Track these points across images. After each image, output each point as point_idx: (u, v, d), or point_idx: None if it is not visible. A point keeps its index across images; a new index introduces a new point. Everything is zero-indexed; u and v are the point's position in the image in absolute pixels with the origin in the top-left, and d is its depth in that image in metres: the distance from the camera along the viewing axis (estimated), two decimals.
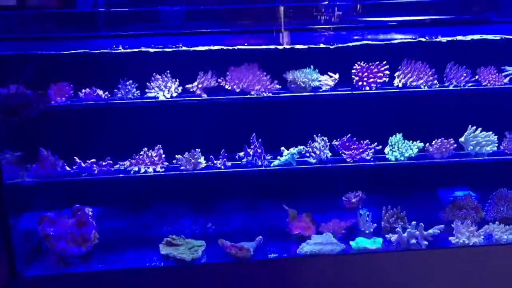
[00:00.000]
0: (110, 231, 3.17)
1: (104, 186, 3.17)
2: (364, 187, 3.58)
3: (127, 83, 3.29)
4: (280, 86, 3.35)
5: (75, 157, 3.12)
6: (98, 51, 3.34)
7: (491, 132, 3.31)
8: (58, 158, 3.09)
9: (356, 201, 3.53)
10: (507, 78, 3.39)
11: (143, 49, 3.38)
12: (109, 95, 3.29)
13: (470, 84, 3.37)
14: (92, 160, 3.11)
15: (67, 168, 3.09)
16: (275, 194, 3.47)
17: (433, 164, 3.39)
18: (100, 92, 3.28)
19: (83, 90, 3.28)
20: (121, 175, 3.09)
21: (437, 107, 3.49)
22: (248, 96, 3.29)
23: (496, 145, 3.31)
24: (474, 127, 3.31)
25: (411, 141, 3.29)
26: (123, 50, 3.33)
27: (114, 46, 3.37)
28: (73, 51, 3.29)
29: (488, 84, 3.36)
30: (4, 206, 2.55)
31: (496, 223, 3.13)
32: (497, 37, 3.45)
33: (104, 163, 3.10)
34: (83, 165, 3.09)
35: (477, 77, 3.41)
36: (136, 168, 3.12)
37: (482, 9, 3.26)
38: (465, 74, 3.40)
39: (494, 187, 3.50)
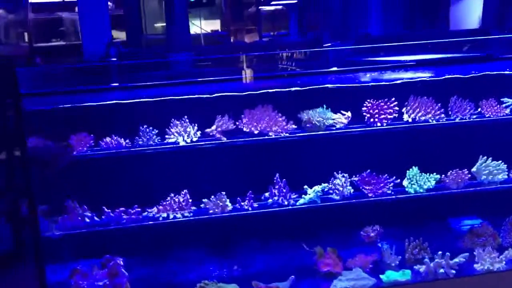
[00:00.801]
0: (140, 279, 3.13)
1: (131, 234, 3.15)
2: (380, 220, 3.67)
3: (148, 130, 3.33)
4: (296, 126, 3.46)
5: (103, 207, 3.10)
6: (113, 101, 3.39)
7: (500, 161, 3.48)
8: (87, 208, 3.06)
9: (374, 235, 3.61)
10: (508, 109, 3.59)
11: (159, 97, 3.45)
12: (129, 143, 3.31)
13: (474, 116, 3.56)
14: (121, 208, 3.09)
15: (96, 218, 3.06)
16: (298, 233, 3.51)
17: (446, 195, 3.51)
18: (121, 140, 3.30)
19: (104, 139, 3.29)
20: (150, 222, 3.08)
21: (445, 139, 3.65)
22: (267, 137, 3.38)
23: (507, 173, 3.47)
24: (485, 157, 3.47)
25: (428, 173, 3.42)
26: (139, 100, 3.39)
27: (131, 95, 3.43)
28: (91, 103, 3.33)
29: (491, 116, 3.56)
30: (41, 260, 2.50)
31: None
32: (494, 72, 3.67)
33: (132, 211, 3.09)
34: (111, 214, 3.07)
35: (479, 109, 3.61)
36: (164, 214, 3.13)
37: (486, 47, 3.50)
38: (469, 107, 3.59)
39: (502, 214, 3.64)
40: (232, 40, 11.41)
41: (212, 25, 12.52)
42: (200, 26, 8.30)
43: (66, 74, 3.62)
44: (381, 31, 9.57)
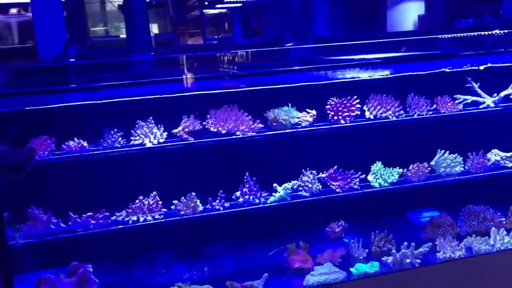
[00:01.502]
0: (111, 285, 3.03)
1: (100, 240, 3.04)
2: (344, 216, 3.76)
3: (112, 131, 3.24)
4: (262, 125, 3.48)
5: (69, 212, 2.97)
6: (75, 103, 3.27)
7: (457, 154, 3.67)
8: (52, 215, 2.92)
9: (340, 230, 3.70)
10: (461, 105, 3.80)
11: (121, 98, 3.36)
12: (94, 146, 3.21)
13: (431, 112, 3.73)
14: (88, 213, 2.98)
15: (62, 225, 2.93)
16: (266, 231, 3.54)
17: (407, 188, 3.66)
18: (85, 143, 3.19)
19: (66, 143, 3.16)
20: (120, 227, 2.99)
21: (405, 134, 3.81)
22: (235, 136, 3.38)
23: (462, 165, 3.66)
24: (443, 150, 3.64)
25: (391, 168, 3.54)
26: (102, 101, 3.29)
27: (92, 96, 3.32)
28: (52, 105, 3.19)
29: (446, 111, 3.74)
30: (8, 270, 2.36)
31: (473, 236, 3.43)
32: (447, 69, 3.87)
33: (100, 216, 2.99)
34: (78, 220, 2.95)
35: (435, 105, 3.78)
36: (134, 218, 3.05)
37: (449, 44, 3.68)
38: (425, 104, 3.75)
39: (456, 205, 3.84)
40: (181, 42, 11.32)
41: (158, 28, 12.36)
42: (151, 28, 8.18)
43: (21, 76, 3.45)
44: (328, 33, 9.82)
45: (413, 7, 11.64)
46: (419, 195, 3.84)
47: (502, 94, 3.83)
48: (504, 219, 3.67)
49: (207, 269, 3.27)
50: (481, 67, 3.83)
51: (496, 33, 4.42)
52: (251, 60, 4.33)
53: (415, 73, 3.84)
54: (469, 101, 3.83)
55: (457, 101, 3.81)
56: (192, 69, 4.18)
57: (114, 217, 3.04)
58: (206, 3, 15.22)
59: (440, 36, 4.54)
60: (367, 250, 3.42)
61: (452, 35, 4.38)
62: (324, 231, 3.73)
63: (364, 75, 3.90)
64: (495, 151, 3.78)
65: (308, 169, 3.48)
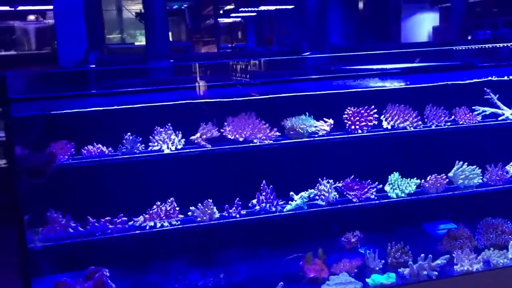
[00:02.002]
0: None
1: (117, 244, 3.06)
2: (359, 226, 3.74)
3: (131, 137, 3.27)
4: (279, 133, 3.49)
5: (88, 216, 2.99)
6: (94, 108, 3.31)
7: (475, 166, 3.64)
8: (70, 219, 2.95)
9: (355, 240, 3.67)
10: (479, 116, 3.77)
11: (140, 104, 3.39)
12: (112, 151, 3.24)
13: (449, 124, 3.71)
14: (107, 218, 3.00)
15: (80, 229, 2.95)
16: (283, 239, 3.52)
17: (424, 199, 3.63)
18: (104, 148, 3.22)
19: (86, 147, 3.20)
20: (137, 232, 3.01)
21: (422, 145, 3.79)
22: (252, 144, 3.39)
23: (481, 177, 3.63)
24: (462, 162, 3.62)
25: (409, 178, 3.52)
26: (121, 107, 3.33)
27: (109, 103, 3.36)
28: (72, 110, 3.23)
29: (464, 123, 3.72)
30: (27, 273, 2.39)
31: (491, 249, 3.39)
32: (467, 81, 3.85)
33: (118, 221, 3.00)
34: (96, 224, 2.97)
35: (453, 117, 3.76)
36: (151, 223, 3.06)
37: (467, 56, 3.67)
38: (443, 115, 3.74)
39: (474, 217, 3.80)
40: (196, 50, 11.42)
41: (175, 36, 12.47)
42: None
43: (42, 81, 3.50)
44: (343, 42, 9.84)
45: (427, 18, 11.65)
46: (436, 206, 3.81)
47: None
48: None
49: (223, 276, 3.26)
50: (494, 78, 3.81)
51: None
52: (268, 68, 4.35)
53: (433, 84, 3.83)
54: (487, 113, 3.80)
55: (475, 113, 3.79)
56: (209, 76, 4.21)
57: (132, 222, 3.05)
58: (221, 12, 15.35)
59: (458, 47, 4.53)
60: (383, 261, 3.39)
61: (470, 46, 4.37)
62: (340, 241, 3.71)
63: (382, 85, 3.89)
64: None
65: (324, 178, 3.47)
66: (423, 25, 11.67)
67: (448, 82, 3.83)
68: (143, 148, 3.28)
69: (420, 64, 4.07)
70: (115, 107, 3.34)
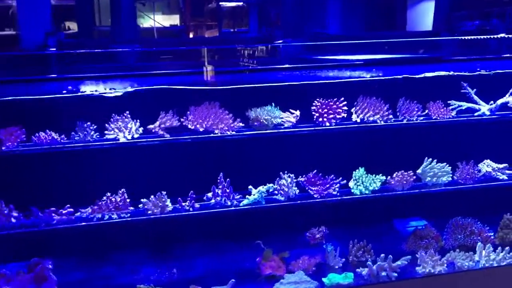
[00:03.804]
0: (72, 284, 2.95)
1: (63, 236, 2.96)
2: (326, 221, 3.62)
3: (85, 125, 3.15)
4: (243, 124, 3.36)
5: (32, 207, 2.90)
6: (50, 95, 3.19)
7: (445, 163, 3.49)
8: (13, 208, 2.85)
9: (320, 236, 3.56)
10: (454, 111, 3.61)
11: (97, 90, 3.28)
12: (65, 139, 3.13)
13: (421, 118, 3.56)
14: (52, 208, 2.90)
15: (24, 219, 2.86)
16: (242, 234, 3.41)
17: (392, 196, 3.50)
18: (56, 135, 3.11)
19: (37, 134, 3.09)
20: (83, 224, 2.91)
21: (393, 140, 3.64)
22: (212, 135, 3.27)
23: (451, 175, 3.49)
24: (431, 159, 3.47)
25: (374, 175, 3.39)
26: (77, 94, 3.21)
27: (69, 87, 3.24)
28: (25, 97, 3.12)
29: (438, 118, 3.57)
30: None
31: (457, 251, 3.26)
32: (443, 73, 3.69)
33: (64, 212, 2.91)
34: (40, 214, 2.88)
35: (427, 111, 3.61)
36: (99, 215, 2.96)
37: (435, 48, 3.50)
38: (416, 109, 3.58)
39: (445, 215, 3.66)
40: (191, 35, 11.22)
41: (172, 20, 12.26)
42: (154, 19, 8.09)
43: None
44: (340, 31, 9.61)
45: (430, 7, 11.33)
46: (405, 203, 3.68)
47: (499, 102, 3.64)
48: (492, 233, 3.49)
49: (175, 271, 3.16)
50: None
51: (500, 37, 4.22)
52: (241, 56, 4.21)
53: (408, 76, 3.67)
54: (463, 108, 3.64)
55: (450, 107, 3.63)
56: (179, 63, 4.08)
57: (79, 213, 2.95)
58: None
59: (441, 38, 4.36)
60: (343, 259, 3.27)
61: (452, 38, 4.20)
62: (305, 237, 3.60)
63: (357, 76, 3.75)
64: (487, 161, 3.59)
65: (286, 172, 3.34)
66: (428, 14, 11.35)
67: (424, 75, 3.68)
68: (98, 136, 3.17)
69: (397, 56, 3.91)
70: (73, 94, 3.22)
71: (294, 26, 4.76)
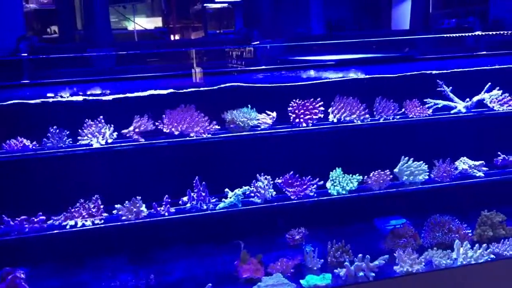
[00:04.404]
0: None
1: (36, 244, 2.92)
2: (306, 222, 3.61)
3: (57, 131, 3.10)
4: (219, 127, 3.33)
5: (2, 215, 2.85)
6: (23, 101, 3.14)
7: (422, 162, 3.49)
8: None
9: (300, 237, 3.55)
10: (431, 110, 3.62)
11: (73, 95, 3.23)
12: (37, 145, 3.08)
13: (398, 117, 3.56)
14: (23, 217, 2.86)
15: None
16: (221, 237, 3.39)
17: (371, 196, 3.49)
18: (27, 142, 3.06)
19: (8, 141, 3.04)
20: (55, 231, 2.86)
21: (370, 139, 3.64)
22: (188, 138, 3.24)
23: (427, 173, 3.49)
24: (407, 157, 3.47)
25: (350, 175, 3.38)
26: (52, 99, 3.17)
27: (40, 93, 3.20)
28: None
29: (414, 116, 3.57)
30: None
31: (434, 249, 3.27)
32: (419, 72, 3.69)
33: (35, 220, 2.86)
34: (11, 223, 2.83)
35: (403, 109, 3.61)
36: (72, 222, 2.91)
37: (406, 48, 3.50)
38: (392, 107, 3.58)
39: (425, 213, 3.67)
40: (177, 38, 11.16)
41: (155, 22, 12.18)
42: (134, 21, 8.03)
43: None
44: (321, 31, 9.60)
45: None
46: (384, 202, 3.68)
47: (475, 99, 3.65)
48: (470, 231, 3.50)
49: (153, 277, 3.12)
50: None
51: (476, 34, 4.24)
52: (217, 58, 4.18)
53: (385, 75, 3.67)
54: (440, 106, 3.65)
55: (427, 106, 3.64)
56: (156, 66, 4.04)
57: (51, 221, 2.90)
58: None
59: (418, 37, 4.37)
60: (322, 260, 3.26)
61: (429, 36, 4.21)
62: (285, 239, 3.58)
63: (334, 76, 3.74)
64: (463, 159, 3.60)
65: (263, 174, 3.33)
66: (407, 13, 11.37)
67: (401, 74, 3.68)
68: (71, 142, 3.12)
69: (374, 55, 3.91)
70: (44, 99, 3.17)
71: (273, 27, 4.75)
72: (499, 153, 3.74)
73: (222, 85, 3.46)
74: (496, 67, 3.72)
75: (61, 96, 3.23)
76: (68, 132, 3.13)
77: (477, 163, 3.58)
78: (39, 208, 2.97)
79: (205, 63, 4.17)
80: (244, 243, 3.33)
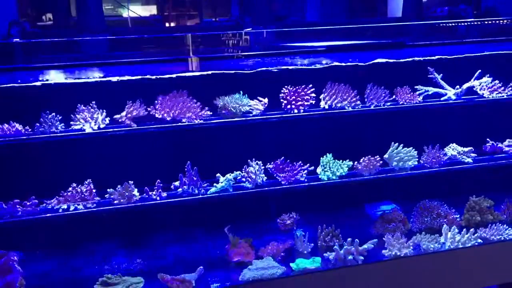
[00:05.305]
0: (39, 276, 2.94)
1: (29, 228, 2.95)
2: (298, 207, 3.66)
3: (50, 116, 3.12)
4: (211, 113, 3.35)
5: None
6: (15, 84, 3.15)
7: (411, 148, 3.53)
8: None
9: (291, 222, 3.59)
10: (421, 97, 3.65)
11: (65, 80, 3.24)
12: (30, 130, 3.10)
13: (389, 104, 3.58)
14: (15, 200, 2.88)
15: None
16: (212, 222, 3.43)
17: (361, 181, 3.54)
18: (19, 126, 3.08)
19: (0, 126, 3.05)
20: (48, 215, 2.90)
21: (361, 125, 3.68)
22: (180, 124, 3.26)
23: (417, 159, 3.53)
24: (397, 143, 3.51)
25: (341, 160, 3.42)
26: (43, 83, 3.17)
27: (32, 78, 3.21)
28: None
29: (405, 103, 3.60)
30: None
31: (423, 233, 3.32)
32: (410, 59, 3.71)
33: (28, 203, 2.89)
34: (4, 206, 2.85)
35: (394, 96, 3.64)
36: (64, 206, 2.95)
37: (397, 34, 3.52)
38: (383, 94, 3.61)
39: (415, 199, 3.72)
40: (172, 25, 11.11)
41: (150, 10, 12.13)
42: (128, 8, 8.01)
43: None
44: (318, 18, 9.58)
45: None
46: (374, 188, 3.73)
47: (465, 86, 3.68)
48: (458, 216, 3.56)
49: (139, 261, 3.15)
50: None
51: (467, 22, 4.26)
52: (210, 44, 4.18)
53: (377, 61, 3.69)
54: (430, 93, 3.68)
55: (417, 92, 3.66)
56: (148, 52, 4.04)
57: (44, 204, 2.93)
58: None
59: (410, 24, 4.38)
60: (312, 244, 3.31)
61: (420, 22, 4.23)
62: (276, 223, 3.63)
63: (326, 62, 3.75)
64: (453, 145, 3.64)
65: (254, 159, 3.36)
66: None
67: (394, 60, 3.70)
68: (63, 127, 3.14)
69: (366, 42, 3.92)
70: (38, 83, 3.18)
71: (266, 14, 4.76)
72: (488, 139, 3.79)
73: (215, 71, 3.47)
74: (486, 53, 3.75)
75: (53, 81, 3.24)
76: (60, 117, 3.15)
77: (466, 149, 3.63)
78: (32, 193, 2.99)
79: (198, 50, 4.17)
80: (236, 228, 3.37)
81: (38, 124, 3.10)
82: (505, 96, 3.67)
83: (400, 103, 3.59)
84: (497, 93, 3.68)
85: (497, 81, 3.73)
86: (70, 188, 3.03)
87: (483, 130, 3.83)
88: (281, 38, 4.21)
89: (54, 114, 3.13)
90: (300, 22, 7.12)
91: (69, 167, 3.20)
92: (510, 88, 3.72)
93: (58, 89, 3.21)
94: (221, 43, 4.12)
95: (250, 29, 4.06)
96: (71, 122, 3.16)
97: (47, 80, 3.24)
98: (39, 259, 3.07)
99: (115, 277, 2.87)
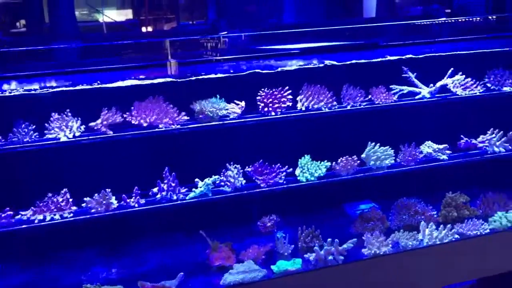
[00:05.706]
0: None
1: (4, 239, 2.90)
2: (278, 210, 3.67)
3: (23, 125, 3.07)
4: (188, 118, 3.35)
5: None
6: None
7: (388, 147, 3.58)
8: None
9: (271, 224, 3.60)
10: (396, 96, 3.69)
11: (38, 88, 3.20)
12: (2, 140, 3.04)
13: (365, 104, 3.62)
14: None
15: None
16: (192, 227, 3.41)
17: (339, 181, 3.56)
18: None
19: None
20: (24, 226, 2.85)
21: (338, 126, 3.70)
22: (157, 129, 3.24)
23: (393, 158, 3.58)
24: (374, 143, 3.55)
25: (319, 161, 3.44)
26: (12, 93, 3.12)
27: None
28: None
29: (380, 102, 3.64)
30: None
31: (401, 231, 3.36)
32: (384, 59, 3.76)
33: (3, 215, 2.84)
34: None
35: (370, 96, 3.68)
36: (40, 217, 2.90)
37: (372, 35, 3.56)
38: (359, 94, 3.65)
39: (393, 197, 3.76)
40: (144, 29, 11.01)
41: (126, 15, 12.00)
42: (103, 13, 7.92)
43: None
44: (295, 19, 9.59)
45: None
46: (353, 187, 3.76)
47: (438, 84, 3.74)
48: (435, 212, 3.61)
49: (115, 270, 3.13)
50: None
51: (440, 21, 4.33)
52: (187, 48, 4.16)
53: (352, 62, 3.72)
54: (405, 92, 3.73)
55: (392, 92, 3.71)
56: (122, 58, 4.00)
57: (19, 216, 2.88)
58: None
59: (384, 24, 4.43)
60: (293, 246, 3.32)
61: (393, 23, 4.28)
62: (257, 226, 3.63)
63: (302, 64, 3.77)
64: (428, 143, 3.69)
65: (233, 163, 3.36)
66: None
67: (367, 60, 3.73)
68: (37, 136, 3.10)
69: (340, 43, 3.95)
70: (10, 93, 3.13)
71: (242, 16, 4.75)
72: (462, 136, 3.85)
73: (190, 76, 3.47)
74: (459, 52, 3.81)
75: (26, 90, 3.19)
76: (34, 126, 3.10)
77: (441, 146, 3.68)
78: (6, 204, 2.94)
79: (174, 54, 4.15)
80: (217, 232, 3.37)
81: (11, 134, 3.05)
82: (477, 93, 3.74)
83: (376, 102, 3.63)
84: (469, 91, 3.75)
85: (469, 79, 3.80)
86: (46, 198, 2.98)
87: (457, 127, 3.90)
88: (257, 41, 4.22)
89: (27, 123, 3.08)
90: (277, 24, 7.12)
91: (44, 176, 3.15)
92: (482, 85, 3.80)
93: (30, 97, 3.15)
94: (199, 46, 4.11)
95: (226, 32, 4.06)
96: (45, 131, 3.12)
97: (18, 89, 3.19)
98: (15, 270, 3.01)
99: (94, 287, 2.84)
